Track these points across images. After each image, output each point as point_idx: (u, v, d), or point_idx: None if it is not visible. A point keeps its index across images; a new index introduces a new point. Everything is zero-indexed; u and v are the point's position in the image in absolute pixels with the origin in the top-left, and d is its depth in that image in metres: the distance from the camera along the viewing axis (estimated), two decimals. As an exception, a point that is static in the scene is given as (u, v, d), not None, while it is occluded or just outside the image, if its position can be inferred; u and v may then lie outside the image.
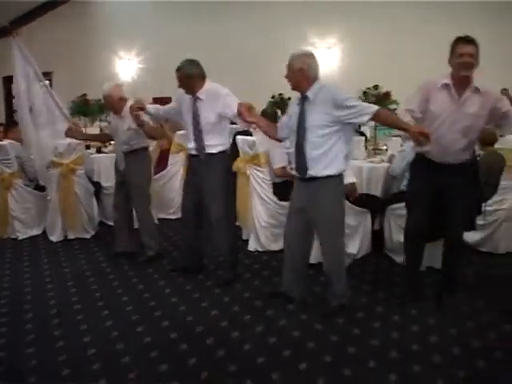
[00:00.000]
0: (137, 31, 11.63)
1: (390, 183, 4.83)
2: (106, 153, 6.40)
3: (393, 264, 4.58)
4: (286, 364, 2.98)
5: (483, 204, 4.50)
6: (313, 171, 3.38)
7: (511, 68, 8.73)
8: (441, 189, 3.56)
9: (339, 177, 3.46)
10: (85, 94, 7.99)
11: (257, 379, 2.81)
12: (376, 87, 5.82)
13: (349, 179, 4.09)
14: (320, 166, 3.36)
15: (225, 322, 3.51)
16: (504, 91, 6.24)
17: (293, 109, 3.52)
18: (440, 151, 3.47)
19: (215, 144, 4.06)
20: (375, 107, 3.29)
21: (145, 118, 4.28)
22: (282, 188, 4.63)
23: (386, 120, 3.41)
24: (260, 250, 4.94)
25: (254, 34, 10.56)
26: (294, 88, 3.48)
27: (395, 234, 4.52)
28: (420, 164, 3.68)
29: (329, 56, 10.44)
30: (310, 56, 3.48)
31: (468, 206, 3.71)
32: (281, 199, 4.68)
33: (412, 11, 9.58)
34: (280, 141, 3.80)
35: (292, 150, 3.47)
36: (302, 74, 3.39)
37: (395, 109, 5.80)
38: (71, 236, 5.58)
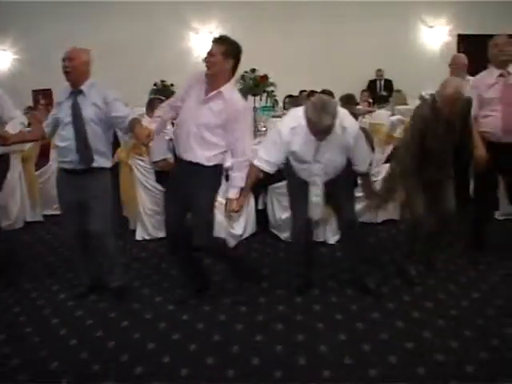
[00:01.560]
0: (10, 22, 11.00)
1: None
2: None
3: (278, 240, 4.75)
4: (176, 347, 3.05)
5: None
6: None
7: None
8: None
9: None
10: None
11: (146, 364, 2.87)
12: (253, 70, 5.91)
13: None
14: None
15: (113, 313, 3.49)
16: None
17: None
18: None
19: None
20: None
21: None
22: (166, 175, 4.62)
23: None
24: (147, 238, 4.94)
25: (135, 20, 10.32)
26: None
27: (278, 211, 4.68)
28: None
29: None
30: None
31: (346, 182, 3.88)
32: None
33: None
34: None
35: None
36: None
37: (273, 91, 5.98)
38: None
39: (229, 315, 3.40)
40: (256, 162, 3.36)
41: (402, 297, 3.62)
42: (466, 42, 10.56)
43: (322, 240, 4.61)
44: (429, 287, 3.76)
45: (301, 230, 3.63)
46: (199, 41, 10.47)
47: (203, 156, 3.27)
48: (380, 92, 9.58)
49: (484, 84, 3.91)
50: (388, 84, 10.31)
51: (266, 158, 3.37)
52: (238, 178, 3.34)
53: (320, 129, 3.16)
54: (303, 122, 3.23)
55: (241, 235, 4.71)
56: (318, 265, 4.07)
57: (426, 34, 10.79)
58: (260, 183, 4.71)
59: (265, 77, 5.94)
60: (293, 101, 6.74)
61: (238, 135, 3.26)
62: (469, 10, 10.38)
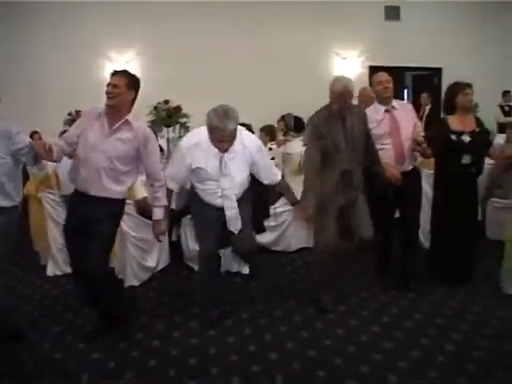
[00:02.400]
0: None
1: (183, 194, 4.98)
2: None
3: (192, 272, 4.74)
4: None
5: (272, 207, 4.90)
6: None
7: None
8: None
9: None
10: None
11: None
12: (167, 102, 5.95)
13: (141, 194, 4.19)
14: None
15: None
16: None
17: None
18: None
19: None
20: None
21: None
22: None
23: None
24: (59, 273, 4.79)
25: (51, 48, 10.07)
26: None
27: (191, 243, 4.70)
28: None
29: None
30: None
31: (257, 212, 4.02)
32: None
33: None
34: None
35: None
36: None
37: (186, 122, 6.02)
38: None
39: (143, 350, 3.38)
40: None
41: (315, 324, 3.73)
42: (375, 73, 11.06)
43: (236, 271, 4.67)
44: (341, 314, 3.90)
45: (208, 259, 3.68)
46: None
47: (116, 190, 3.31)
48: (294, 121, 9.73)
49: (373, 121, 4.11)
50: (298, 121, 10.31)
51: (172, 173, 3.54)
52: (162, 198, 3.48)
53: (226, 134, 3.29)
54: (204, 135, 3.40)
55: (154, 267, 4.68)
56: (232, 295, 4.12)
57: (340, 65, 11.21)
58: (173, 215, 4.77)
59: (178, 108, 5.99)
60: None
61: (153, 158, 3.40)
62: (378, 43, 10.97)
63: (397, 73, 11.30)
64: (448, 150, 4.16)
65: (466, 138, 4.15)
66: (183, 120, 5.99)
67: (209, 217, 3.58)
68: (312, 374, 3.09)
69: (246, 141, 3.50)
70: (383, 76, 4.23)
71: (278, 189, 3.93)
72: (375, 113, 4.18)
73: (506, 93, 10.12)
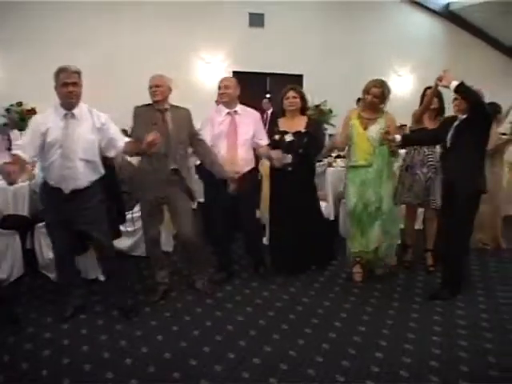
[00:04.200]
0: None
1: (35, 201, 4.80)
2: None
3: (47, 282, 4.56)
4: None
5: (129, 212, 4.85)
6: None
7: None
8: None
9: None
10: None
11: None
12: (20, 104, 5.69)
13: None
14: None
15: None
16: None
17: None
18: None
19: None
20: None
21: None
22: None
23: None
24: None
25: None
26: None
27: (46, 251, 4.52)
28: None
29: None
30: None
31: (111, 217, 4.04)
32: None
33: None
34: None
35: None
36: None
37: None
38: None
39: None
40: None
41: (171, 327, 3.80)
42: (239, 78, 11.34)
43: (94, 277, 4.58)
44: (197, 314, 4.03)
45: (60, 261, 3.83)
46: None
47: None
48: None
49: (214, 122, 4.43)
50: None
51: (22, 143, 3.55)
52: None
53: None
54: (51, 109, 3.63)
55: (6, 279, 4.42)
56: (91, 302, 4.13)
57: (204, 69, 11.33)
58: (25, 222, 4.58)
59: (32, 110, 5.74)
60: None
61: None
62: (242, 49, 11.26)
63: (260, 78, 11.73)
64: (274, 148, 4.52)
65: (288, 138, 4.52)
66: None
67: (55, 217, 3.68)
68: (167, 375, 3.16)
69: (94, 110, 3.71)
70: (222, 81, 4.50)
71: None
72: (217, 114, 4.46)
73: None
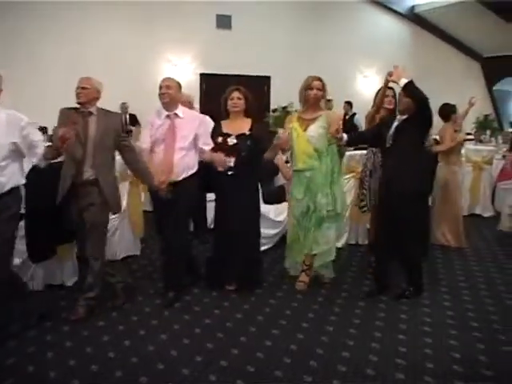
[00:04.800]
0: None
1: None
2: None
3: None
4: None
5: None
6: None
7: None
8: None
9: None
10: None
11: None
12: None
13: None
14: None
15: None
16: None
17: None
18: None
19: None
20: None
21: None
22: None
23: None
24: None
25: None
26: None
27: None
28: None
29: None
30: None
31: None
32: None
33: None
34: None
35: None
36: None
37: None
38: None
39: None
40: None
41: (139, 332, 3.76)
42: (207, 80, 11.42)
43: (59, 283, 4.51)
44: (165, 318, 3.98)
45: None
46: None
47: None
48: (126, 126, 9.55)
49: (154, 124, 4.19)
50: (132, 118, 10.17)
51: None
52: None
53: None
54: None
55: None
56: (56, 308, 4.06)
57: (171, 72, 11.24)
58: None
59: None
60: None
61: None
62: (210, 51, 11.24)
63: (227, 80, 11.76)
64: (217, 151, 4.26)
65: (232, 141, 4.33)
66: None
67: None
68: (134, 380, 3.13)
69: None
70: (164, 81, 4.23)
71: None
72: (157, 116, 4.25)
73: (329, 101, 10.87)
